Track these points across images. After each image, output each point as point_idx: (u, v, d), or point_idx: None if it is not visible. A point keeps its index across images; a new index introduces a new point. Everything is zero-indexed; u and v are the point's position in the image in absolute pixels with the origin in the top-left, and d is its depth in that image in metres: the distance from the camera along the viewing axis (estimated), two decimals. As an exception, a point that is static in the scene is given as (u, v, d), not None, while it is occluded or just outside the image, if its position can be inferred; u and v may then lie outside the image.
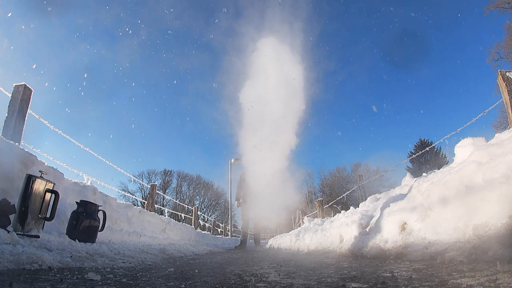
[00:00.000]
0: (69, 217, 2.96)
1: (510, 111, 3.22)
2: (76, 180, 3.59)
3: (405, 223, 2.38)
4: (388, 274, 1.41)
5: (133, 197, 24.76)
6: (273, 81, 6.76)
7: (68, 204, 3.16)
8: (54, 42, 35.10)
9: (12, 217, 2.24)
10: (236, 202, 8.24)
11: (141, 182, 29.91)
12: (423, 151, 8.08)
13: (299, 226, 10.25)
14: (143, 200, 10.93)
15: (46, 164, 2.95)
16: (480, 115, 3.97)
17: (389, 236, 2.49)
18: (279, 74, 6.78)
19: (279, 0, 7.01)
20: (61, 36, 34.88)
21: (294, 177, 6.71)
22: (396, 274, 1.39)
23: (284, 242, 7.16)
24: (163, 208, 12.96)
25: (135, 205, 4.92)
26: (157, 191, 8.24)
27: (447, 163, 4.38)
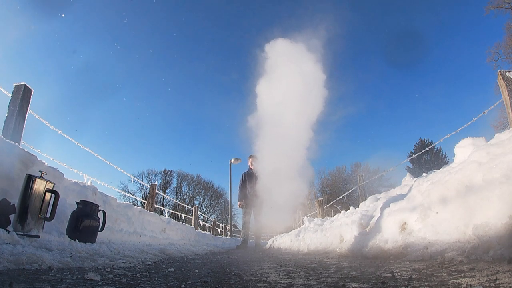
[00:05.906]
0: (69, 217, 2.96)
1: (510, 111, 3.23)
2: (76, 180, 3.59)
3: (405, 223, 2.38)
4: (388, 274, 1.40)
5: (133, 197, 24.79)
6: (287, 86, 6.65)
7: (68, 204, 3.16)
8: (54, 42, 35.10)
9: (12, 217, 2.24)
10: (239, 203, 8.17)
11: (141, 182, 29.93)
12: (423, 151, 8.04)
13: (299, 226, 10.24)
14: (143, 200, 10.92)
15: (46, 164, 2.95)
16: (480, 115, 3.96)
17: (389, 236, 2.49)
18: (293, 77, 6.67)
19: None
20: (61, 36, 34.90)
21: (303, 181, 6.61)
22: (396, 274, 1.39)
23: (284, 242, 7.16)
24: (163, 208, 12.95)
25: (135, 205, 4.92)
26: (157, 191, 8.23)
27: (447, 163, 4.38)
